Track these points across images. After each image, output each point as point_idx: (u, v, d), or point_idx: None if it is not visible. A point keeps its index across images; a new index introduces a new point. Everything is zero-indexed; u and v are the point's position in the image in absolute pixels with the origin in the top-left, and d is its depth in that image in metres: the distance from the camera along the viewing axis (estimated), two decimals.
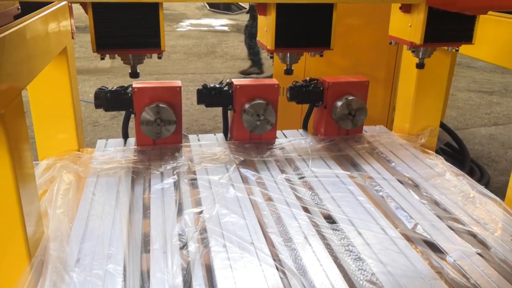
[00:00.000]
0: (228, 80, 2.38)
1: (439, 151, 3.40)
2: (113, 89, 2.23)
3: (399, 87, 2.71)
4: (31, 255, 1.38)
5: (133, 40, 1.64)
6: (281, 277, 1.39)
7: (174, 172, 2.02)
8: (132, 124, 2.29)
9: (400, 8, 1.94)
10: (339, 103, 2.39)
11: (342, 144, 2.41)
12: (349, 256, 1.52)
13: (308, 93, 2.45)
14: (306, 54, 1.91)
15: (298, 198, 1.87)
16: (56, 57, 1.96)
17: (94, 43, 1.60)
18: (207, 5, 13.52)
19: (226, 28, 10.87)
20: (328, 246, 1.56)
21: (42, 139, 2.17)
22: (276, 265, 1.44)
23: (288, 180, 2.01)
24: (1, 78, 1.19)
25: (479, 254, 1.55)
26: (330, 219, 1.74)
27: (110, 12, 1.58)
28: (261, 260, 1.47)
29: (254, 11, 6.59)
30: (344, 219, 1.72)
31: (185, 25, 11.20)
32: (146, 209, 1.77)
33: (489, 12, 2.00)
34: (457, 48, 2.00)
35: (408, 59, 2.48)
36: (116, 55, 1.71)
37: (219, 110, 2.48)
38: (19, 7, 1.39)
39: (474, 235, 1.67)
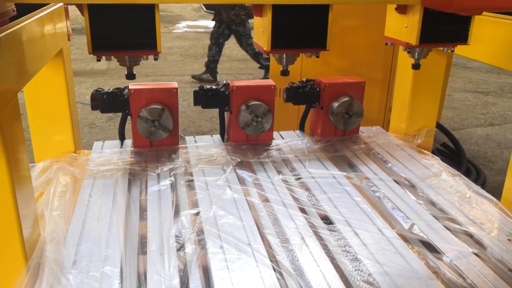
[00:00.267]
0: (224, 81, 2.38)
1: (436, 152, 3.41)
2: (109, 90, 2.23)
3: (395, 88, 2.71)
4: (27, 257, 1.38)
5: (129, 42, 1.64)
6: (278, 278, 1.39)
7: (171, 174, 2.02)
8: (128, 126, 2.29)
9: (396, 9, 1.95)
10: (336, 104, 2.40)
11: (339, 145, 2.42)
12: (346, 256, 1.52)
13: (305, 94, 2.46)
14: (303, 55, 1.91)
15: (295, 199, 1.87)
16: (52, 59, 1.96)
17: (90, 45, 1.60)
18: (203, 7, 13.52)
19: None
20: (325, 247, 1.56)
21: (39, 141, 2.16)
22: (273, 266, 1.44)
23: (285, 181, 2.01)
24: None
25: (475, 254, 1.56)
26: (327, 220, 1.74)
27: (106, 14, 1.58)
28: (258, 261, 1.47)
29: (220, 15, 6.35)
30: (341, 220, 1.72)
31: (181, 26, 11.21)
32: (143, 211, 1.76)
33: (484, 13, 2.01)
34: (452, 49, 2.00)
35: (404, 60, 2.49)
36: (112, 57, 1.71)
37: (216, 112, 2.48)
38: (15, 8, 1.39)
39: (470, 235, 1.68)
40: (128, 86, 2.22)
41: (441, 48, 1.99)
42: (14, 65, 1.35)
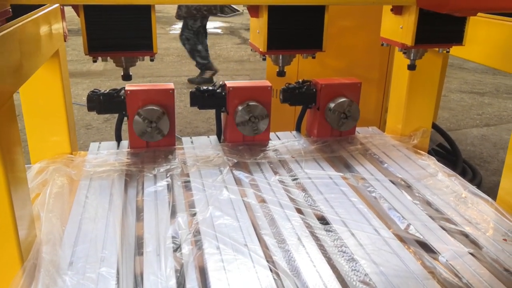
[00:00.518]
0: (221, 82, 2.38)
1: (432, 152, 3.42)
2: (106, 92, 2.22)
3: (391, 89, 2.72)
4: (23, 258, 1.37)
5: (125, 43, 1.64)
6: (274, 279, 1.40)
7: (168, 175, 2.02)
8: (125, 127, 2.28)
9: (391, 10, 1.95)
10: (332, 104, 2.40)
11: (335, 145, 2.42)
12: (342, 257, 1.52)
13: (301, 95, 2.46)
14: (299, 56, 1.92)
15: (292, 199, 1.87)
16: (48, 60, 1.96)
17: (86, 46, 1.60)
18: None
19: (219, 31, 10.88)
20: (321, 247, 1.57)
21: (35, 142, 2.16)
22: (269, 267, 1.45)
23: (281, 181, 2.01)
24: None
25: (471, 254, 1.56)
26: (323, 220, 1.74)
27: (102, 15, 1.58)
28: (255, 261, 1.47)
29: (184, 18, 6.09)
30: (337, 220, 1.73)
31: (178, 27, 11.18)
32: (139, 212, 1.76)
33: (480, 14, 2.02)
34: (448, 50, 2.01)
35: (400, 61, 2.50)
36: (108, 58, 1.71)
37: (212, 112, 2.48)
38: (11, 9, 1.39)
39: (466, 235, 1.69)
40: (124, 87, 2.22)
41: (437, 49, 2.00)
42: (10, 66, 1.35)
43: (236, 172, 2.07)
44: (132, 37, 1.64)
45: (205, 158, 2.18)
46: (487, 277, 1.45)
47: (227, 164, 2.14)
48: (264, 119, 2.31)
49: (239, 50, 8.69)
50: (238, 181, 2.00)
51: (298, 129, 2.62)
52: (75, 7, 1.57)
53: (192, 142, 2.42)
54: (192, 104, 2.35)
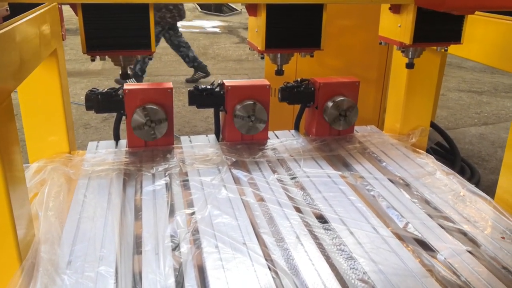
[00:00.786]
0: (219, 81, 2.38)
1: (430, 151, 3.42)
2: (104, 91, 2.22)
3: (389, 87, 2.72)
4: (22, 258, 1.37)
5: (123, 42, 1.64)
6: (273, 277, 1.40)
7: (166, 174, 2.02)
8: (123, 126, 2.28)
9: (390, 8, 1.95)
10: (330, 104, 2.41)
11: (334, 144, 2.42)
12: (341, 255, 1.52)
13: (300, 94, 2.46)
14: (297, 54, 1.92)
15: (290, 198, 1.87)
16: (46, 59, 1.95)
17: (84, 45, 1.60)
18: (198, 7, 13.51)
19: (217, 30, 10.87)
20: (320, 246, 1.57)
21: (33, 142, 2.15)
22: (268, 265, 1.45)
23: (280, 180, 2.01)
24: None
25: (469, 252, 1.57)
26: (322, 219, 1.74)
27: (100, 13, 1.58)
28: (254, 260, 1.47)
29: (160, 19, 5.89)
30: (335, 219, 1.73)
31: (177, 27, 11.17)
32: (138, 211, 1.76)
33: (477, 13, 2.02)
34: (446, 48, 2.01)
35: (398, 60, 2.50)
36: (106, 57, 1.71)
37: (211, 111, 2.48)
38: (8, 8, 1.38)
39: (464, 233, 1.69)
40: (122, 86, 2.21)
41: (435, 48, 2.00)
42: (8, 65, 1.34)
43: (235, 171, 2.07)
44: (130, 36, 1.64)
45: (204, 157, 2.18)
46: (485, 275, 1.45)
47: (225, 163, 2.14)
48: (262, 122, 2.31)
49: (238, 49, 8.69)
50: (236, 180, 2.00)
51: (296, 128, 2.62)
52: (73, 6, 1.57)
53: (190, 141, 2.42)
54: (191, 103, 2.35)
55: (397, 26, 1.92)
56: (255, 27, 1.81)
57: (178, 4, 6.04)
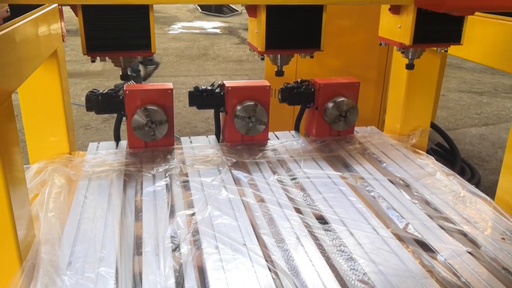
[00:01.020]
0: (219, 82, 2.39)
1: (430, 151, 3.43)
2: (104, 91, 2.22)
3: (390, 88, 2.72)
4: (22, 258, 1.37)
5: (123, 43, 1.64)
6: (273, 278, 1.40)
7: (166, 175, 2.02)
8: (124, 127, 2.28)
9: (390, 9, 1.95)
10: (330, 104, 2.41)
11: (334, 145, 2.42)
12: (341, 256, 1.53)
13: (300, 95, 2.46)
14: (297, 55, 1.92)
15: (290, 199, 1.87)
16: (47, 60, 1.96)
17: (85, 46, 1.60)
18: (199, 8, 13.52)
19: (218, 31, 10.88)
20: (320, 247, 1.57)
21: (33, 143, 2.15)
22: (268, 266, 1.45)
23: (280, 181, 2.02)
24: None
25: (469, 252, 1.57)
26: (322, 220, 1.74)
27: (100, 14, 1.58)
28: (254, 261, 1.47)
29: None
30: (336, 220, 1.73)
31: (177, 27, 11.19)
32: (138, 212, 1.76)
33: (477, 13, 2.02)
34: (446, 49, 2.01)
35: (398, 60, 2.50)
36: (106, 58, 1.71)
37: (211, 112, 2.48)
38: (8, 9, 1.39)
39: (464, 234, 1.69)
40: (123, 87, 2.21)
41: (435, 48, 2.00)
42: (8, 66, 1.34)
43: (235, 172, 2.07)
44: (131, 37, 1.64)
45: (204, 158, 2.18)
46: (486, 276, 1.45)
47: (226, 164, 2.14)
48: (261, 123, 2.31)
49: (238, 50, 8.69)
50: (237, 181, 2.00)
51: (296, 128, 2.63)
52: (74, 7, 1.57)
53: (191, 142, 2.42)
54: (191, 104, 2.35)
55: (397, 27, 1.92)
56: (255, 28, 1.81)
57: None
